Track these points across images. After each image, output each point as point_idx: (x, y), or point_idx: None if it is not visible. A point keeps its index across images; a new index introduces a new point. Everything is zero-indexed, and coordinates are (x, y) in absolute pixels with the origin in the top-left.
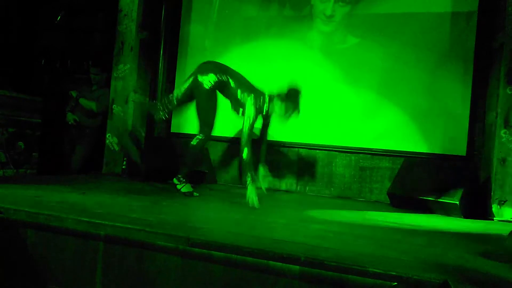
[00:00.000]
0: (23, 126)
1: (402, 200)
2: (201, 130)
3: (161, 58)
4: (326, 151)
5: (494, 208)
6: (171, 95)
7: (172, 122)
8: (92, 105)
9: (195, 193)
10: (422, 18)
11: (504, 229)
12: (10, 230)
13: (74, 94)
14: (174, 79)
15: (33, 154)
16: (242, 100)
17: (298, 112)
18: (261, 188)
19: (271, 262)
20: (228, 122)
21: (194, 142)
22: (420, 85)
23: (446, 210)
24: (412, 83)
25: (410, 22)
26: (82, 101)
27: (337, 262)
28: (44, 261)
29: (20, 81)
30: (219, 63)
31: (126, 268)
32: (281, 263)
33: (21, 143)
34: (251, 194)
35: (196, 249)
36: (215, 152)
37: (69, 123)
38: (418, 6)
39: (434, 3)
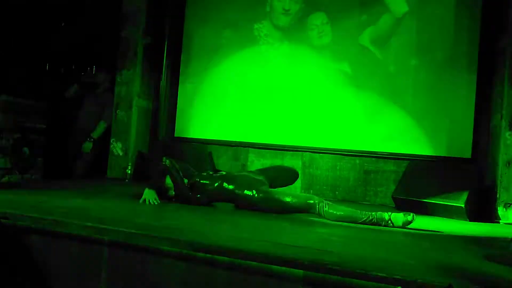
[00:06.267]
0: (28, 131)
1: (407, 203)
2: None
3: (164, 63)
4: (330, 155)
5: (500, 211)
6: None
7: (176, 126)
8: (101, 128)
9: None
10: (425, 20)
11: (510, 232)
12: (15, 236)
13: (73, 89)
14: (178, 83)
15: (38, 159)
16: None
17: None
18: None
19: (274, 267)
20: (232, 127)
21: None
22: (424, 87)
23: (452, 213)
24: (416, 85)
25: (413, 23)
26: (87, 145)
27: (341, 266)
28: (49, 266)
29: (25, 86)
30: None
31: (130, 273)
32: (284, 267)
33: (26, 149)
34: (147, 196)
35: (200, 254)
36: (218, 156)
37: (84, 152)
38: (422, 7)
39: (438, 4)
